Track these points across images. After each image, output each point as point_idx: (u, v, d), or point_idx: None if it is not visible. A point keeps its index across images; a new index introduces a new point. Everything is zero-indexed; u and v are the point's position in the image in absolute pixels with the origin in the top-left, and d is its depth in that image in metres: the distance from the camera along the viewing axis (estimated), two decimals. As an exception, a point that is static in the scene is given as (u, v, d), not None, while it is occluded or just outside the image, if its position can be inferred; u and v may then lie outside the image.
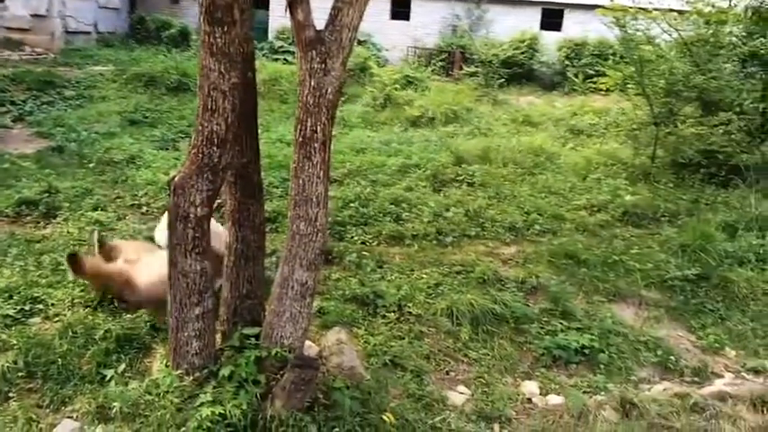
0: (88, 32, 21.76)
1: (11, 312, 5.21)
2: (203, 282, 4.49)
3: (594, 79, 20.35)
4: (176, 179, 4.39)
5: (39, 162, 9.58)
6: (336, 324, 5.58)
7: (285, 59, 21.91)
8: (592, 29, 21.56)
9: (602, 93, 19.13)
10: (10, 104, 13.23)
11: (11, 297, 5.43)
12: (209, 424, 4.17)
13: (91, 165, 9.60)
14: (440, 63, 23.04)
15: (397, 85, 16.25)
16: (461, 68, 21.92)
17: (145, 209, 8.06)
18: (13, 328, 5.03)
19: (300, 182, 4.45)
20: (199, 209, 4.38)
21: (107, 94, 14.61)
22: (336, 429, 4.33)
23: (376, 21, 23.96)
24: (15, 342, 4.83)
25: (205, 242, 4.47)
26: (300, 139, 4.41)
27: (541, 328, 6.02)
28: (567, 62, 22.92)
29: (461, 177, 9.75)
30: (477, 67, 20.11)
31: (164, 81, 15.33)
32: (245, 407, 4.24)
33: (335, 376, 4.73)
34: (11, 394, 4.45)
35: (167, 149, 10.96)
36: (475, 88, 18.05)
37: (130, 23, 24.21)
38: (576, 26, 23.94)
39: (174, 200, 4.38)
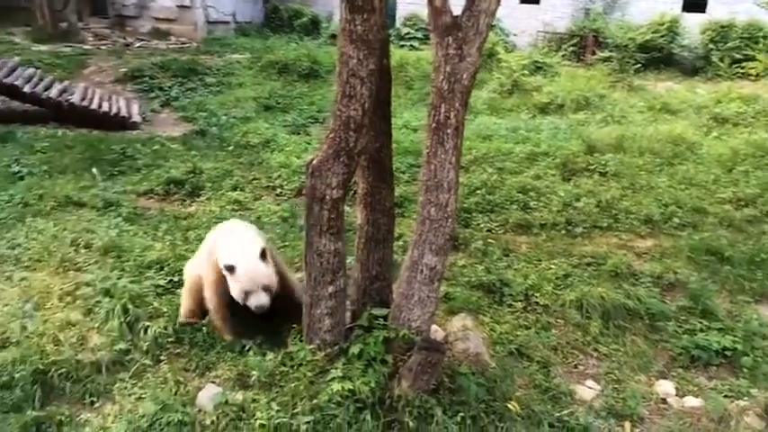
0: (227, 22, 22.98)
1: (162, 282, 5.65)
2: (337, 262, 4.64)
3: (743, 64, 18.83)
4: (314, 162, 4.55)
5: (184, 144, 10.29)
6: (462, 310, 5.59)
7: (411, 46, 21.99)
8: (740, 10, 19.97)
9: (751, 78, 17.68)
10: (158, 90, 14.29)
11: (162, 268, 5.89)
12: (339, 398, 4.33)
13: (230, 148, 10.18)
14: (571, 48, 22.19)
15: (526, 71, 15.86)
16: (594, 53, 21.00)
17: (279, 190, 8.44)
18: (164, 297, 5.45)
19: (432, 167, 4.48)
20: (334, 191, 4.52)
21: (244, 81, 15.37)
22: (461, 414, 4.35)
23: (505, 5, 23.19)
24: (166, 310, 5.23)
25: (340, 223, 4.62)
26: (434, 125, 4.43)
27: (679, 326, 5.70)
28: (710, 46, 21.33)
29: (593, 167, 9.39)
30: (611, 51, 19.21)
31: (295, 68, 15.91)
32: (373, 385, 4.36)
33: (461, 362, 4.75)
34: (162, 358, 4.84)
35: (299, 134, 11.38)
36: (608, 74, 17.25)
37: (265, 13, 25.30)
38: (723, 7, 22.20)
39: (310, 182, 4.55)
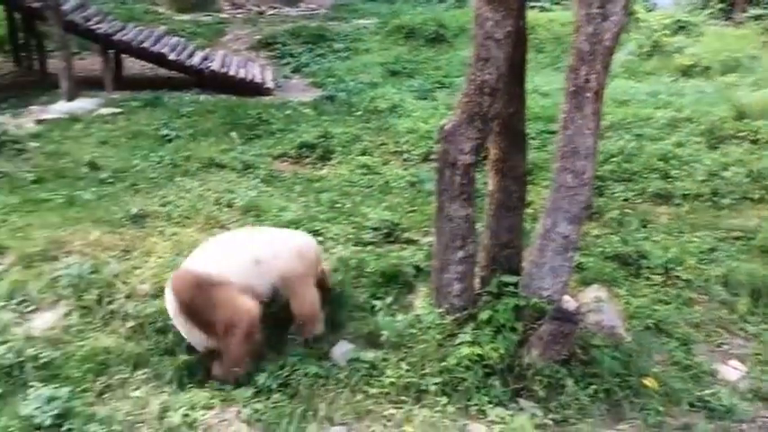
0: (355, -13, 23.09)
1: (297, 241, 5.88)
2: (467, 227, 4.64)
3: None
4: (446, 127, 4.54)
5: (315, 109, 10.58)
6: (596, 281, 5.42)
7: (542, 7, 21.14)
8: None
9: None
10: (290, 57, 14.73)
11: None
12: (467, 362, 4.37)
13: (358, 113, 10.34)
14: (718, 5, 20.42)
15: (667, 31, 14.79)
16: (745, 11, 19.22)
17: (406, 156, 8.50)
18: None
19: (569, 133, 4.33)
20: (467, 156, 4.50)
21: (370, 47, 15.48)
22: (593, 386, 4.25)
23: (645, -40, 21.93)
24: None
25: (471, 189, 4.60)
26: (572, 89, 4.27)
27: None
28: None
29: (743, 134, 8.65)
30: (765, 8, 17.49)
31: (422, 33, 15.78)
32: (502, 351, 4.36)
33: (594, 334, 4.63)
34: (298, 313, 5.08)
35: (425, 99, 11.34)
36: (761, 33, 15.73)
37: (392, -23, 25.17)
38: None
39: (442, 147, 4.55)
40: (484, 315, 4.56)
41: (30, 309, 5.07)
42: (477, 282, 4.93)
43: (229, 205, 6.68)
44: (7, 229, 6.02)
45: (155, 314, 4.92)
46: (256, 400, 4.27)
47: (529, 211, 6.13)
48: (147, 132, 9.21)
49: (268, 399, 4.27)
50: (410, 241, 5.95)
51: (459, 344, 4.47)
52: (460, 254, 4.67)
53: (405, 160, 8.42)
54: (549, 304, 4.48)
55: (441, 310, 4.71)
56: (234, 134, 9.13)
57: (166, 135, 9.09)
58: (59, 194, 6.92)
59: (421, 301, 5.06)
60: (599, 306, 4.88)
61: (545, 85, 11.46)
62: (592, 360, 4.38)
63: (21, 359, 4.54)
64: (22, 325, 4.91)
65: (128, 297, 5.11)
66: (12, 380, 4.47)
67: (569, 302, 4.97)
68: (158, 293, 5.19)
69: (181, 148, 8.50)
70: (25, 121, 9.63)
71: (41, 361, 4.56)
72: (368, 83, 12.38)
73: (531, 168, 7.49)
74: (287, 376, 4.36)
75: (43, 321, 4.97)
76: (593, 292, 5.08)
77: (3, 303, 5.06)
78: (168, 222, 6.30)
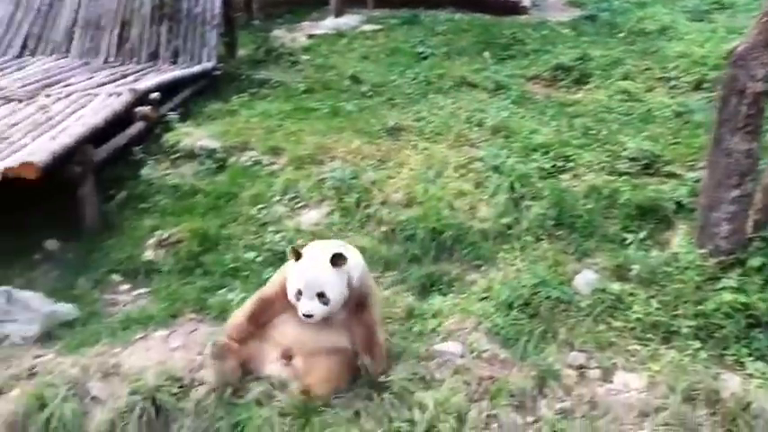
0: None
1: (546, 166, 5.77)
2: (748, 163, 4.16)
3: None
4: (738, 49, 4.04)
5: (574, 30, 10.05)
6: None
7: None
8: None
9: None
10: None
11: (547, 153, 5.99)
12: (728, 309, 4.02)
13: (621, 34, 9.61)
14: None
15: None
16: None
17: (674, 83, 7.74)
18: (547, 181, 5.58)
19: None
20: (758, 84, 4.00)
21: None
22: None
23: None
24: (548, 193, 5.36)
25: (758, 121, 4.08)
26: None
27: None
28: None
29: None
30: None
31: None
32: (772, 303, 3.92)
33: None
34: (542, 237, 5.04)
35: (701, 21, 10.14)
36: None
37: None
38: None
39: (732, 71, 4.07)
40: (754, 262, 4.13)
41: (299, 205, 5.68)
42: (749, 225, 4.42)
43: (479, 124, 6.71)
44: (283, 132, 6.72)
45: (405, 222, 5.22)
46: (496, 314, 4.38)
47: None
48: (404, 49, 9.52)
49: (507, 315, 4.35)
50: (672, 175, 5.48)
51: (720, 289, 4.12)
52: (735, 192, 4.22)
53: (672, 88, 7.67)
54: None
55: (703, 251, 4.35)
56: (487, 54, 9.08)
57: (422, 52, 9.30)
58: (325, 104, 7.52)
59: (680, 239, 4.70)
60: None
61: None
62: None
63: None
64: (293, 218, 5.54)
65: (382, 203, 5.48)
66: (283, 264, 5.09)
67: None
68: (409, 203, 5.49)
69: (435, 65, 8.66)
70: (298, 36, 10.53)
71: (308, 252, 5.12)
72: (634, 2, 11.39)
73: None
74: (529, 296, 4.38)
75: (310, 217, 5.56)
76: None
77: (278, 198, 5.73)
78: (420, 137, 6.53)
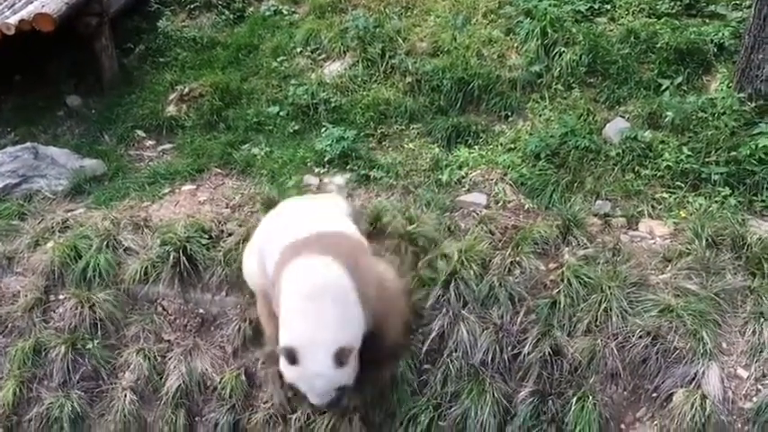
0: None
1: (582, 8, 5.38)
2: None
3: None
4: None
5: None
6: None
7: None
8: None
9: None
10: None
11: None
12: (762, 155, 3.90)
13: None
14: None
15: None
16: None
17: None
18: (582, 25, 5.24)
19: None
20: None
21: None
22: None
23: None
24: (582, 38, 5.05)
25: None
26: None
27: None
28: None
29: None
30: None
31: None
32: (811, 150, 3.77)
33: None
34: (573, 85, 4.82)
35: None
36: None
37: None
38: None
39: None
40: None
41: (322, 56, 5.50)
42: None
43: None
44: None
45: (431, 72, 5.03)
46: (523, 165, 4.31)
47: None
48: None
49: (534, 165, 4.29)
50: (715, 15, 5.09)
51: (756, 134, 3.96)
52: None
53: None
54: None
55: (741, 95, 4.14)
56: None
57: None
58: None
59: (718, 83, 4.47)
60: None
61: None
62: None
63: (315, 101, 5.05)
64: (316, 71, 5.38)
65: (407, 53, 5.26)
66: (308, 118, 5.04)
67: None
68: (436, 52, 5.26)
69: None
70: None
71: (332, 105, 5.03)
72: None
73: None
74: (558, 146, 4.27)
75: (333, 69, 5.38)
76: None
77: (300, 49, 5.54)
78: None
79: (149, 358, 3.84)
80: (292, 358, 3.00)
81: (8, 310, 4.07)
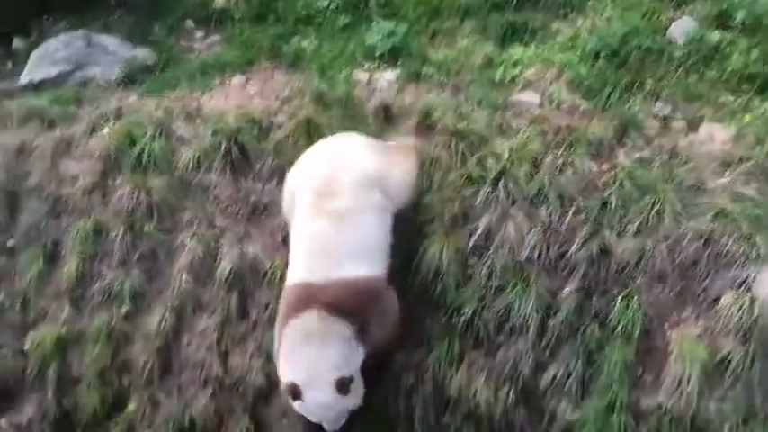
0: None
1: None
2: None
3: None
4: None
5: None
6: None
7: None
8: None
9: None
10: None
11: None
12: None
13: None
14: None
15: None
16: None
17: None
18: None
19: None
20: None
21: None
22: None
23: None
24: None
25: None
26: None
27: None
28: None
29: None
30: None
31: None
32: None
33: None
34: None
35: None
36: None
37: None
38: None
39: None
40: None
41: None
42: None
43: None
44: None
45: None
46: (580, 64, 4.17)
47: None
48: None
49: (593, 65, 4.14)
50: None
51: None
52: None
53: None
54: None
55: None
56: None
57: None
58: None
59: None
60: None
61: None
62: None
63: (366, -5, 4.91)
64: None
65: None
66: (358, 12, 4.91)
67: None
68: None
69: None
70: None
71: (383, -1, 4.88)
72: None
73: None
74: (618, 46, 4.11)
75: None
76: None
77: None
78: None
79: (203, 242, 3.96)
80: (295, 393, 3.06)
81: (69, 191, 4.21)
